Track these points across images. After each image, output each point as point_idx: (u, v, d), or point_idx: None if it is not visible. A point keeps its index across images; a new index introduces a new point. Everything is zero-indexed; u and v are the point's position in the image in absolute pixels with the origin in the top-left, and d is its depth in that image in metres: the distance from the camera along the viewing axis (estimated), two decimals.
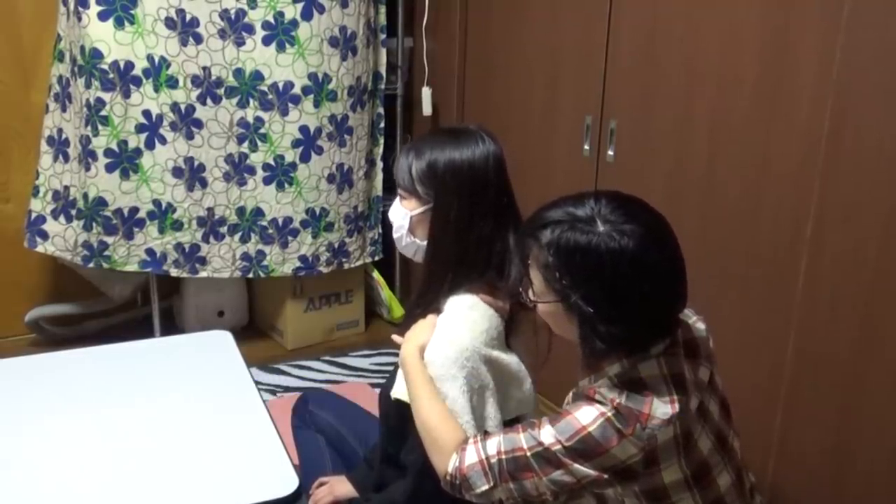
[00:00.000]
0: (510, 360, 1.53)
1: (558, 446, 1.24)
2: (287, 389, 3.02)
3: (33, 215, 2.92)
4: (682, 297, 1.29)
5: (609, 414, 1.22)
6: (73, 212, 2.89)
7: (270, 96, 2.93)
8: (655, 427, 1.20)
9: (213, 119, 2.91)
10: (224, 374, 1.90)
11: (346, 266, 3.31)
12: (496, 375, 1.49)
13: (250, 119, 2.95)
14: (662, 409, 1.21)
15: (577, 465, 1.23)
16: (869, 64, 1.69)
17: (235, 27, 2.84)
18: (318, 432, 1.98)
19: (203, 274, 3.09)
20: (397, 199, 1.58)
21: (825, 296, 1.83)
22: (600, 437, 1.21)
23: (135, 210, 2.89)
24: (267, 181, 3.03)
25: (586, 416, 1.23)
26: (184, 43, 2.79)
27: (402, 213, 1.56)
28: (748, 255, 2.01)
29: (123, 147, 2.80)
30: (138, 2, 2.69)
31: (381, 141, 3.33)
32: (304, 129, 3.00)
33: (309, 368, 3.21)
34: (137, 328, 3.18)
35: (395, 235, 1.60)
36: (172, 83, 2.81)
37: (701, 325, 1.41)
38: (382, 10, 3.19)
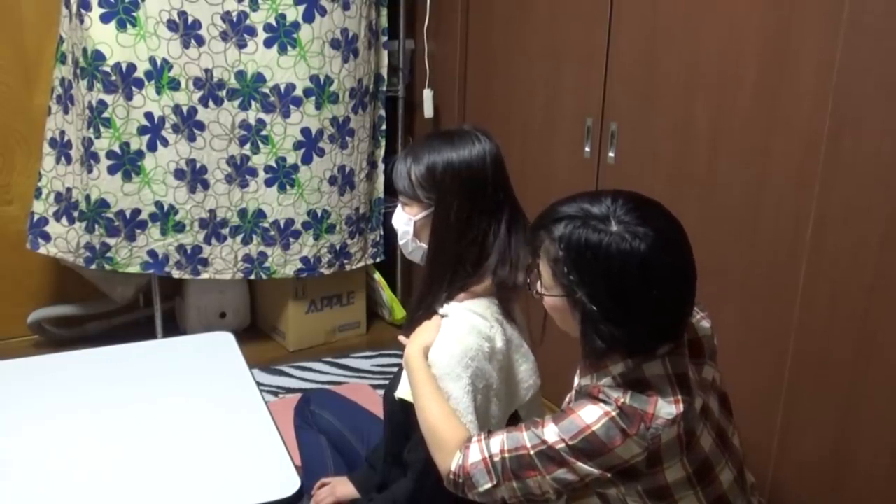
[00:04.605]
0: (513, 360, 1.55)
1: (562, 445, 1.24)
2: (288, 391, 3.02)
3: (35, 217, 2.93)
4: (690, 304, 1.29)
5: (613, 413, 1.22)
6: (76, 213, 2.90)
7: (272, 98, 2.93)
8: (659, 427, 1.21)
9: (215, 121, 2.92)
10: (226, 376, 1.91)
11: (347, 268, 3.31)
12: (502, 370, 1.51)
13: (252, 121, 2.95)
14: (667, 409, 1.21)
15: (580, 464, 1.23)
16: (869, 66, 1.69)
17: (237, 29, 2.85)
18: (319, 433, 1.99)
19: (205, 275, 3.09)
20: (399, 206, 1.59)
21: (825, 297, 1.84)
22: (604, 436, 1.21)
23: (137, 212, 2.90)
24: (269, 183, 3.04)
25: (591, 415, 1.23)
26: (186, 45, 2.80)
27: (406, 219, 1.57)
28: (749, 256, 2.02)
29: (125, 149, 2.81)
30: (140, 4, 2.70)
31: (383, 143, 3.34)
32: (305, 131, 3.01)
33: (310, 370, 3.22)
34: (139, 330, 3.18)
35: (400, 242, 1.62)
36: (174, 85, 2.82)
37: (706, 324, 1.41)
38: (384, 12, 3.20)
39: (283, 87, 2.93)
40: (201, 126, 2.91)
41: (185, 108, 2.86)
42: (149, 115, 2.81)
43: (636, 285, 1.20)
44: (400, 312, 3.51)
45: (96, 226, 2.88)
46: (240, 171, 3.01)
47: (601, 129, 2.42)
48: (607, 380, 1.27)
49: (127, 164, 2.83)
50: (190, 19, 2.79)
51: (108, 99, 2.74)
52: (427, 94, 3.27)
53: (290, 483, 1.48)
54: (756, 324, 2.02)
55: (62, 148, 2.90)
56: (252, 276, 3.16)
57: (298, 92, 2.95)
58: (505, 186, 1.55)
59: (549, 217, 1.27)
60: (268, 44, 2.88)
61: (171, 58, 2.79)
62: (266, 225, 3.09)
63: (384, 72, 3.27)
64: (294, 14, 2.88)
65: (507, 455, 1.30)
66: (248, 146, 2.98)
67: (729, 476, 1.33)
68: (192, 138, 2.90)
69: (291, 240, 3.13)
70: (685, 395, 1.24)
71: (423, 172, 1.51)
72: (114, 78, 2.72)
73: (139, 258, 2.96)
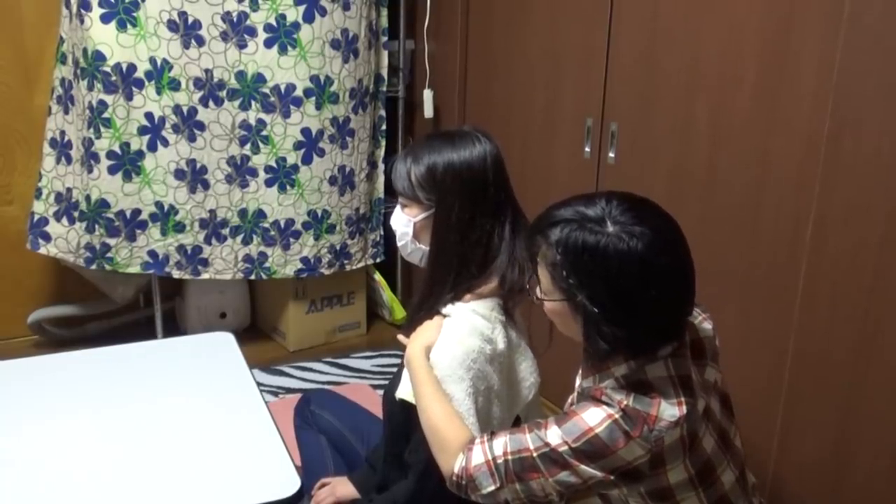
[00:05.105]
0: (514, 360, 1.55)
1: (565, 447, 1.24)
2: (289, 391, 3.02)
3: (36, 217, 2.93)
4: (690, 302, 1.29)
5: (616, 416, 1.22)
6: (76, 214, 2.90)
7: (272, 98, 2.94)
8: (662, 429, 1.21)
9: (216, 121, 2.92)
10: (226, 376, 1.91)
11: (347, 268, 3.31)
12: (503, 371, 1.51)
13: (252, 121, 2.95)
14: (670, 411, 1.21)
15: (583, 466, 1.23)
16: (869, 66, 1.69)
17: (237, 30, 2.85)
18: (319, 433, 1.99)
19: (205, 276, 3.09)
20: (398, 207, 1.59)
21: (825, 297, 1.84)
22: (607, 438, 1.21)
23: (137, 212, 2.90)
24: (269, 183, 3.04)
25: (593, 418, 1.23)
26: (186, 45, 2.80)
27: (405, 221, 1.57)
28: (749, 256, 2.02)
29: (126, 149, 2.81)
30: (140, 4, 2.70)
31: (383, 143, 3.34)
32: (305, 132, 3.01)
33: (310, 370, 3.22)
34: (140, 330, 3.18)
35: (399, 244, 1.61)
36: (175, 85, 2.82)
37: (707, 325, 1.41)
38: (384, 12, 3.20)
39: (283, 88, 2.93)
40: (201, 126, 2.91)
41: (185, 109, 2.86)
42: (149, 116, 2.81)
43: (635, 285, 1.20)
44: (400, 312, 3.52)
45: (96, 226, 2.88)
46: (240, 172, 3.01)
47: (601, 129, 2.42)
48: (610, 381, 1.27)
49: (127, 164, 2.83)
50: (190, 19, 2.79)
51: (109, 99, 2.74)
52: (427, 95, 3.27)
53: (290, 483, 1.48)
54: (756, 324, 2.02)
55: (62, 148, 2.90)
56: (252, 277, 3.16)
57: (299, 92, 2.95)
58: (505, 187, 1.55)
59: (545, 222, 1.27)
60: (268, 44, 2.88)
61: (171, 58, 2.79)
62: (266, 225, 3.09)
63: (384, 72, 3.27)
64: (294, 14, 2.88)
65: (509, 457, 1.30)
66: (248, 146, 2.99)
67: (731, 477, 1.33)
68: (192, 138, 2.90)
69: (291, 240, 3.13)
70: (688, 396, 1.24)
71: (424, 173, 1.50)
72: (114, 78, 2.73)
73: (139, 258, 2.97)
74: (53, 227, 2.93)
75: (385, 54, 3.25)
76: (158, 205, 2.92)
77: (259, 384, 1.89)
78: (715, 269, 2.06)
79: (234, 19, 2.84)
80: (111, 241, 2.91)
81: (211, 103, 2.90)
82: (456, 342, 1.44)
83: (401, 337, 1.59)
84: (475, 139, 1.52)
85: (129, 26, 2.71)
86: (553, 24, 2.57)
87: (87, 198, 2.84)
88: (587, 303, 1.22)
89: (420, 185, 1.51)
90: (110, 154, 2.80)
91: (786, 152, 1.89)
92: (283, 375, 3.16)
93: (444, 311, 1.51)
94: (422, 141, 1.56)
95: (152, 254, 2.97)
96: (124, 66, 2.73)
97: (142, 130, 2.82)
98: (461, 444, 1.36)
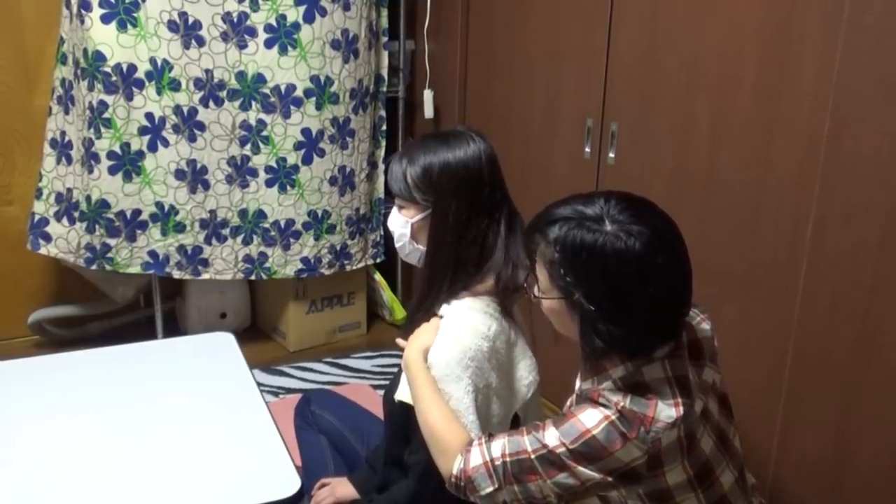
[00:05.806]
0: (513, 358, 1.55)
1: (562, 449, 1.24)
2: (289, 391, 3.02)
3: (36, 217, 2.93)
4: (687, 301, 1.29)
5: (613, 417, 1.22)
6: (76, 214, 2.90)
7: (272, 99, 2.94)
8: (659, 430, 1.21)
9: (216, 121, 2.92)
10: (226, 376, 1.91)
11: (347, 268, 3.31)
12: (501, 368, 1.51)
13: (252, 122, 2.95)
14: (667, 412, 1.21)
15: (581, 468, 1.23)
16: (869, 66, 1.69)
17: (238, 30, 2.85)
18: (320, 433, 1.99)
19: (205, 276, 3.10)
20: (394, 209, 1.59)
21: (825, 297, 1.84)
22: (604, 439, 1.21)
23: (137, 212, 2.90)
24: (269, 183, 3.04)
25: (590, 419, 1.23)
26: (186, 46, 2.80)
27: (402, 222, 1.57)
28: (749, 256, 2.02)
29: (126, 149, 2.81)
30: (141, 5, 2.70)
31: (383, 143, 3.34)
32: (306, 132, 3.01)
33: (311, 370, 3.22)
34: (140, 330, 3.19)
35: (397, 245, 1.62)
36: (175, 86, 2.82)
37: (706, 326, 1.41)
38: (384, 12, 3.20)
39: (283, 88, 2.93)
40: (202, 126, 2.91)
41: (185, 109, 2.86)
42: (149, 116, 2.81)
43: (633, 283, 1.20)
44: (400, 312, 3.52)
45: (97, 226, 2.88)
46: (240, 172, 3.01)
47: (601, 129, 2.42)
48: (607, 383, 1.27)
49: (127, 164, 2.83)
50: (190, 20, 2.79)
51: (109, 99, 2.74)
52: (427, 95, 3.27)
53: (291, 483, 1.48)
54: (756, 324, 2.02)
55: (63, 148, 2.90)
56: (252, 277, 3.16)
57: (299, 92, 2.95)
58: (501, 186, 1.55)
59: (544, 220, 1.27)
60: (268, 44, 2.88)
61: (171, 58, 2.79)
62: (266, 225, 3.09)
63: (384, 72, 3.27)
64: (294, 15, 2.88)
65: (508, 459, 1.30)
66: (248, 147, 2.99)
67: (730, 478, 1.33)
68: (192, 139, 2.90)
69: (292, 240, 3.13)
70: (685, 397, 1.24)
71: (420, 174, 1.51)
72: (114, 78, 2.73)
73: (140, 259, 2.97)
74: (54, 228, 2.93)
75: (385, 55, 3.26)
76: (159, 205, 2.92)
77: (259, 384, 1.89)
78: (715, 269, 2.06)
79: (235, 20, 2.84)
80: (111, 242, 2.91)
81: (211, 104, 2.90)
82: (453, 342, 1.45)
83: (399, 340, 1.59)
84: (469, 138, 1.52)
85: (129, 27, 2.71)
86: (553, 24, 2.57)
87: (88, 198, 2.85)
88: (584, 301, 1.22)
89: (416, 186, 1.51)
90: (111, 154, 2.80)
91: (786, 152, 1.89)
92: (283, 375, 3.16)
93: (442, 311, 1.51)
94: (416, 142, 1.57)
95: (153, 254, 2.97)
96: (125, 67, 2.73)
97: (142, 131, 2.82)
98: (460, 446, 1.36)
